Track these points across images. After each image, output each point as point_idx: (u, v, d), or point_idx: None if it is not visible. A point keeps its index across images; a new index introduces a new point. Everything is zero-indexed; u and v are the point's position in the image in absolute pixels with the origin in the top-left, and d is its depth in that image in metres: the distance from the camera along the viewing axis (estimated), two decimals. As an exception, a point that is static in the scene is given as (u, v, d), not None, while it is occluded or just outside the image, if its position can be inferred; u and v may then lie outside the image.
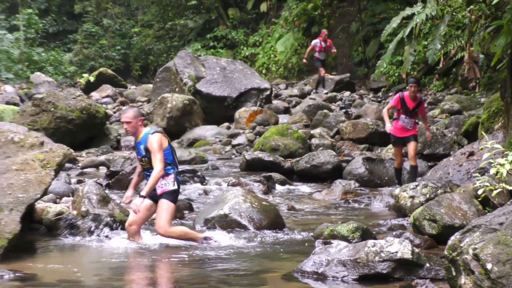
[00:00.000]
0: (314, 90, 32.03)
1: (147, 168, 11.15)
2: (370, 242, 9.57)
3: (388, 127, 16.08)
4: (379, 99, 30.33)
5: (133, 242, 11.30)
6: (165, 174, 11.04)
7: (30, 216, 12.49)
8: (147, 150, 10.96)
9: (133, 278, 9.74)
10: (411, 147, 15.85)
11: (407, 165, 16.56)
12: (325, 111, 25.78)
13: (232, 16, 48.20)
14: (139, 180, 11.80)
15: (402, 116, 15.89)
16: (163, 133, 11.44)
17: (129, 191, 11.51)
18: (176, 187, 11.21)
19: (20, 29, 54.25)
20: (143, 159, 11.17)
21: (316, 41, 30.43)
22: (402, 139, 16.07)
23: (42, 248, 11.51)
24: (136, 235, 11.36)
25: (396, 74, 31.92)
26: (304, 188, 17.07)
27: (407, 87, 16.45)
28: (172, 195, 11.18)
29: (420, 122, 17.22)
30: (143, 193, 10.85)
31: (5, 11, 56.49)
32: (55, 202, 14.01)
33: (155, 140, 10.92)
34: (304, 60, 32.68)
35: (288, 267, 9.86)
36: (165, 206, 11.06)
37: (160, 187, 11.07)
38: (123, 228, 12.52)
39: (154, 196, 11.10)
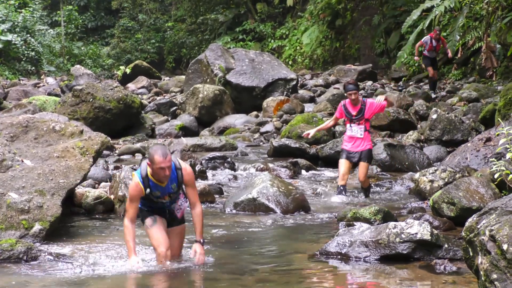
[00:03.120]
0: (432, 93, 27.74)
1: (163, 203, 8.66)
2: (391, 224, 9.55)
3: (310, 132, 14.67)
4: (400, 88, 30.14)
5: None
6: (179, 194, 8.78)
7: (70, 200, 12.57)
8: (180, 186, 8.58)
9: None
10: (361, 169, 13.89)
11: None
12: (349, 100, 25.72)
13: (260, 10, 48.17)
14: (135, 243, 8.63)
15: (348, 125, 13.88)
16: None
17: (135, 258, 8.39)
18: None
19: (61, 24, 54.60)
20: (165, 197, 8.59)
21: (426, 38, 26.40)
22: (350, 155, 13.86)
23: (81, 230, 11.55)
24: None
25: (416, 64, 31.82)
26: (328, 173, 17.01)
27: (346, 94, 14.14)
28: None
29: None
30: (200, 238, 8.57)
31: (47, 8, 56.75)
32: (93, 187, 14.08)
33: (191, 169, 8.70)
34: (416, 58, 28.32)
35: (313, 248, 9.84)
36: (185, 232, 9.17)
37: (179, 208, 8.87)
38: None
39: (179, 221, 8.95)
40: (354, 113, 13.65)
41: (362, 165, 13.83)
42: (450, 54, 26.18)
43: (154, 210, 8.67)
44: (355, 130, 13.73)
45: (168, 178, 8.18)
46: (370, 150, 14.02)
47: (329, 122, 15.16)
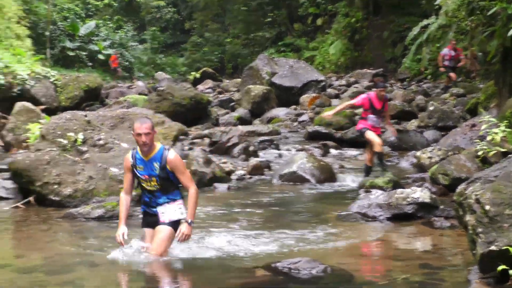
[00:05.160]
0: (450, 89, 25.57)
1: (152, 191, 6.91)
2: (399, 190, 9.60)
3: (328, 113, 13.74)
4: (404, 87, 29.81)
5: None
6: (173, 199, 6.95)
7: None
8: (163, 169, 6.76)
9: (235, 215, 9.78)
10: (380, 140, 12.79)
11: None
12: (365, 96, 25.67)
13: (297, 29, 48.04)
14: (128, 213, 7.09)
15: (371, 116, 12.65)
16: None
17: (123, 227, 6.86)
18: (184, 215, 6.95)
19: (147, 41, 54.89)
20: (153, 179, 6.83)
21: (445, 51, 24.47)
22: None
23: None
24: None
25: (416, 69, 31.62)
26: (351, 152, 16.91)
27: (375, 89, 12.97)
28: (176, 225, 6.94)
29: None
30: (190, 218, 6.78)
31: (137, 29, 57.16)
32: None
33: (179, 158, 6.93)
34: (441, 69, 25.96)
35: (339, 209, 9.83)
36: (170, 235, 6.92)
37: (167, 214, 6.91)
38: (220, 181, 12.64)
39: (154, 223, 6.98)
40: (378, 107, 12.63)
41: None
42: (463, 61, 25.17)
43: (146, 212, 7.10)
44: (376, 121, 12.69)
45: (147, 145, 6.67)
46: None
47: (344, 106, 14.13)
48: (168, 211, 6.90)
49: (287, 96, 26.16)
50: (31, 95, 22.63)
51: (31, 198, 10.89)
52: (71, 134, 11.56)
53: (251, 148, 16.12)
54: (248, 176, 13.63)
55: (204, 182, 12.50)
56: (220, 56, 53.82)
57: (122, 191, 7.10)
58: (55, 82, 24.87)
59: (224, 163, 14.39)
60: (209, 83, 36.81)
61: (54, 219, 9.68)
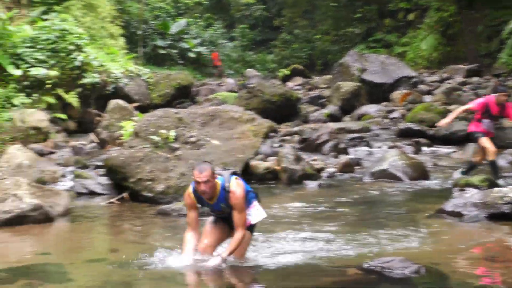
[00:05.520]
0: None
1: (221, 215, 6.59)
2: (496, 189, 9.35)
3: (445, 121, 12.20)
4: (501, 83, 28.95)
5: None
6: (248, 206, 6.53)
7: (246, 170, 12.73)
8: (228, 206, 6.37)
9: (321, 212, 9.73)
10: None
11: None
12: (459, 92, 25.11)
13: (387, 24, 47.35)
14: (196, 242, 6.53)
15: (486, 120, 11.71)
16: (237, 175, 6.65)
17: (189, 257, 6.43)
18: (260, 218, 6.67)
19: (236, 39, 55.38)
20: (224, 211, 6.49)
21: None
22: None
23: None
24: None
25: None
26: (444, 149, 16.54)
27: (495, 94, 11.79)
28: (252, 228, 6.67)
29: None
30: (225, 255, 6.32)
31: (226, 27, 57.74)
32: (263, 160, 14.21)
33: (241, 194, 6.36)
34: None
35: (432, 207, 9.63)
36: (248, 239, 6.62)
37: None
38: (310, 179, 12.61)
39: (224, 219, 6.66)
40: (495, 112, 11.70)
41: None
42: None
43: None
44: (491, 126, 11.83)
45: (206, 194, 6.22)
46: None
47: (460, 111, 12.58)
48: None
49: (377, 92, 25.83)
50: (124, 93, 23.19)
51: (125, 194, 11.16)
52: (163, 131, 11.76)
53: (341, 145, 16.04)
54: (339, 173, 13.56)
55: (294, 180, 12.51)
56: (309, 53, 53.59)
57: (188, 229, 6.49)
58: (147, 80, 25.41)
59: (314, 160, 14.37)
60: (298, 80, 36.79)
61: (147, 215, 9.88)
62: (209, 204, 6.44)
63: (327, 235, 8.07)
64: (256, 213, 6.55)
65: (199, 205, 6.53)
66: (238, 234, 6.29)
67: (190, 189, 6.43)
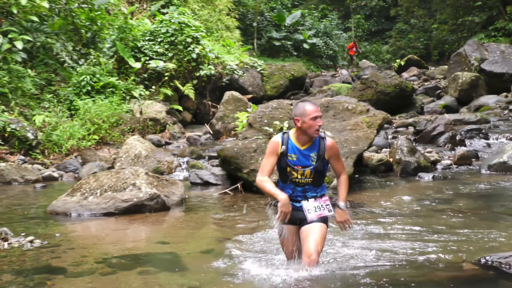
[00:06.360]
0: None
1: (302, 184, 5.91)
2: None
3: None
4: None
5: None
6: (322, 195, 6.01)
7: (360, 162, 12.68)
8: (321, 159, 5.89)
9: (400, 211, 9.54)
10: None
11: None
12: None
13: (510, 12, 45.57)
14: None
15: None
16: None
17: (282, 195, 5.66)
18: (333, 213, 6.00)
19: (351, 29, 54.97)
20: (307, 170, 5.88)
21: None
22: None
23: (368, 184, 11.63)
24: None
25: None
26: None
27: None
28: (326, 221, 5.98)
29: None
30: (342, 202, 5.96)
31: (341, 17, 57.40)
32: (377, 152, 14.11)
33: (336, 144, 6.07)
34: None
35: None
36: (325, 233, 5.91)
37: (315, 210, 5.87)
38: (425, 171, 12.39)
39: (296, 219, 5.88)
40: None
41: None
42: None
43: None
44: None
45: (317, 134, 5.80)
46: None
47: None
48: (316, 207, 5.91)
49: (497, 83, 24.99)
50: (239, 84, 23.55)
51: (238, 185, 11.35)
52: (277, 122, 11.86)
53: (458, 137, 15.66)
54: (454, 166, 13.25)
55: (408, 172, 12.34)
56: (425, 43, 52.55)
57: (260, 174, 5.90)
58: (261, 71, 25.67)
59: (429, 152, 14.12)
60: (414, 70, 36.22)
61: (259, 206, 10.00)
62: (297, 151, 5.89)
63: (441, 228, 7.91)
64: (324, 206, 5.99)
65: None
66: (343, 177, 6.02)
67: (277, 137, 5.95)
